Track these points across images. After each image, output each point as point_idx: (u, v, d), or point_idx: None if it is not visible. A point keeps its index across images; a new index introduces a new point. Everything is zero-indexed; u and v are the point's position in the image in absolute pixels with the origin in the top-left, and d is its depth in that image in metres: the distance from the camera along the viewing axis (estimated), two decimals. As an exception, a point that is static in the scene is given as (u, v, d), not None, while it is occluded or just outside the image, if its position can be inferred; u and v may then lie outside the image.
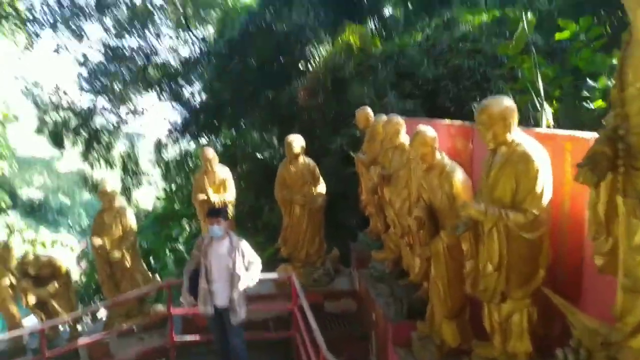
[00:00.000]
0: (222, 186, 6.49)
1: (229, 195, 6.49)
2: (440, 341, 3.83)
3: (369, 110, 6.18)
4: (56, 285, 6.17)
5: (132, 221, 6.12)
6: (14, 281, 6.25)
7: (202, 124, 12.57)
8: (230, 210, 6.49)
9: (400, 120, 4.67)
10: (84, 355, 6.10)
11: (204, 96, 13.03)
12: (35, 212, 28.35)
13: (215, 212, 4.71)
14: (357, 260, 6.30)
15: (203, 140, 13.09)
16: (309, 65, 9.47)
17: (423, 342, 4.02)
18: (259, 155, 13.07)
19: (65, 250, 19.36)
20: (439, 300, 3.78)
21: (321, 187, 6.38)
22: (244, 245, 4.70)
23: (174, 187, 13.41)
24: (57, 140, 11.91)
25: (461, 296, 3.65)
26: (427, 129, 3.74)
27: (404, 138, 4.63)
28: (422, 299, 4.38)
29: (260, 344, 5.83)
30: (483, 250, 3.00)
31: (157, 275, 6.60)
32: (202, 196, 6.36)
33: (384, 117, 5.21)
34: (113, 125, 12.82)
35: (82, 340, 5.98)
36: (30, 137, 12.24)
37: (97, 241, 5.95)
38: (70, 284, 6.50)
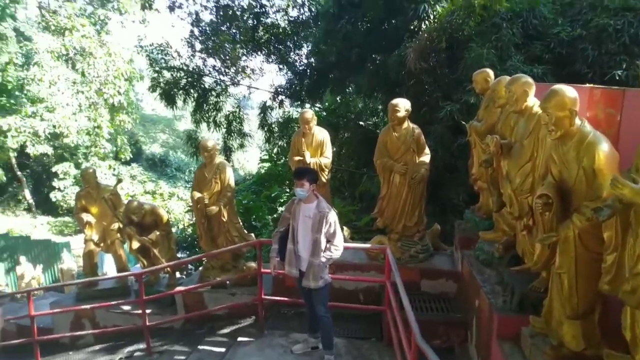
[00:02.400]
0: (319, 149, 6.28)
1: (325, 159, 6.26)
2: (558, 342, 3.27)
3: (490, 71, 5.49)
4: (157, 233, 6.49)
5: (230, 177, 6.17)
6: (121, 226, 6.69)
7: (307, 88, 12.46)
8: (325, 174, 6.27)
9: (529, 79, 3.99)
10: (180, 302, 6.40)
11: (310, 60, 12.87)
12: (157, 166, 31.16)
13: (301, 174, 4.49)
14: (461, 239, 5.75)
15: (307, 105, 13.02)
16: (423, 25, 8.77)
17: (535, 341, 3.48)
18: (362, 123, 12.76)
19: (180, 202, 20.97)
20: (562, 296, 3.19)
21: (425, 157, 5.87)
22: (332, 215, 4.46)
23: (276, 149, 13.66)
24: (168, 99, 12.51)
25: (592, 294, 3.04)
26: (566, 88, 3.09)
27: (532, 101, 3.95)
28: (539, 291, 3.80)
29: (348, 314, 5.69)
30: (635, 244, 2.38)
31: (252, 234, 6.61)
32: (297, 157, 6.21)
33: (506, 78, 4.53)
34: (221, 85, 13.18)
35: (179, 288, 6.27)
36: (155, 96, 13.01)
37: (196, 195, 6.10)
38: (171, 233, 6.82)
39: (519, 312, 3.85)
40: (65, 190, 21.37)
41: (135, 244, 6.48)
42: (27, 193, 24.89)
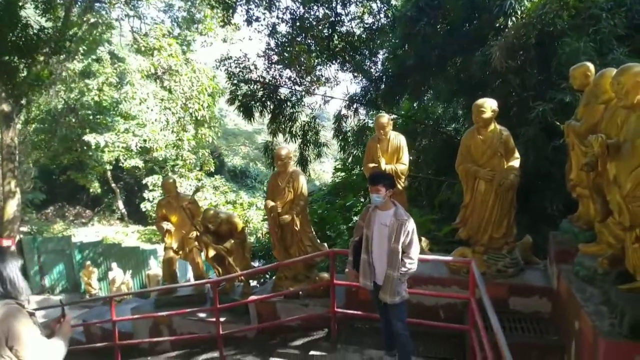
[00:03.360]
0: (395, 155, 6.02)
1: (402, 165, 5.97)
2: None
3: (590, 64, 4.91)
4: (232, 242, 6.54)
5: (303, 186, 6.08)
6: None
7: (382, 94, 12.19)
8: (402, 182, 5.97)
9: (640, 68, 3.45)
10: (253, 311, 6.37)
11: (386, 65, 12.61)
12: (238, 177, 32.51)
13: (376, 178, 4.26)
14: (557, 252, 5.16)
15: (383, 113, 12.77)
16: (509, 22, 8.20)
17: (654, 374, 2.95)
18: (440, 129, 12.23)
19: (258, 212, 21.49)
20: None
21: (515, 161, 5.37)
22: (410, 223, 4.17)
23: (350, 159, 13.50)
24: (246, 111, 12.82)
25: None
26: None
27: (646, 94, 3.42)
28: (656, 314, 3.24)
29: (427, 333, 5.32)
30: None
31: (325, 244, 6.46)
32: (372, 164, 5.98)
33: (612, 71, 3.99)
34: (296, 95, 13.29)
35: (252, 297, 6.24)
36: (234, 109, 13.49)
37: (270, 203, 6.07)
38: (246, 242, 6.84)
39: (631, 337, 3.30)
40: (154, 201, 22.71)
41: (211, 252, 6.58)
42: (120, 204, 26.97)
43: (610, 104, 4.02)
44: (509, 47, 7.46)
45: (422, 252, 5.60)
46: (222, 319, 6.07)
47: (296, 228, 6.11)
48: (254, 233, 19.31)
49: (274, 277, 7.43)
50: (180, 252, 7.22)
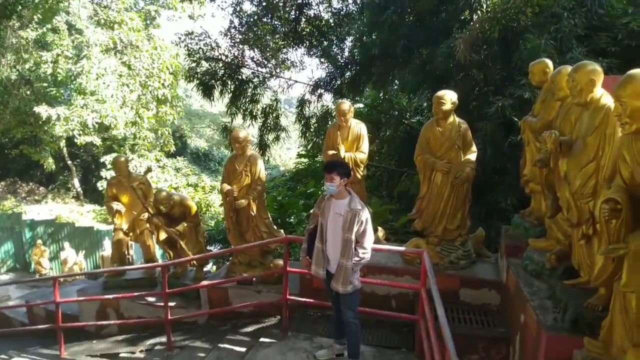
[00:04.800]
0: (355, 143, 5.94)
1: (361, 154, 5.90)
2: (620, 373, 2.79)
3: (549, 61, 4.96)
4: (185, 225, 6.34)
5: (261, 171, 5.95)
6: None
7: (348, 82, 12.06)
8: (360, 170, 5.92)
9: (597, 67, 3.47)
10: (204, 297, 6.23)
11: (353, 52, 12.46)
12: (200, 160, 31.82)
13: (331, 167, 4.17)
14: (507, 246, 5.25)
15: (344, 100, 12.65)
16: (475, 15, 8.22)
17: (591, 367, 3.01)
18: (405, 121, 12.25)
19: (220, 196, 21.19)
20: (627, 319, 2.73)
21: (472, 155, 5.41)
22: (365, 213, 4.11)
23: (311, 145, 13.35)
24: (205, 90, 12.42)
25: (667, 320, 2.55)
26: (646, 73, 2.61)
27: (599, 93, 3.45)
28: (596, 309, 3.32)
29: (378, 321, 5.37)
30: None
31: (281, 231, 6.35)
32: (331, 152, 5.89)
33: (568, 68, 4.02)
34: (259, 77, 12.97)
35: (204, 283, 6.09)
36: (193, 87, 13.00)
37: (226, 187, 5.91)
38: (200, 226, 6.66)
39: (571, 331, 3.37)
40: (112, 180, 22.01)
41: (163, 235, 6.37)
42: (76, 182, 25.90)
43: (565, 101, 4.06)
44: (474, 41, 7.48)
45: (377, 241, 5.60)
46: (172, 304, 5.91)
47: (252, 213, 5.99)
48: (214, 217, 18.98)
49: (227, 263, 7.29)
50: (131, 234, 6.98)
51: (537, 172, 4.64)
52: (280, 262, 6.05)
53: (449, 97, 5.19)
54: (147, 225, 6.72)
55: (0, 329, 7.42)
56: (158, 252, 8.50)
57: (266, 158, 14.00)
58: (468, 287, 5.40)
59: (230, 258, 6.76)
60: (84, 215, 23.39)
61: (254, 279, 6.15)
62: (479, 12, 8.19)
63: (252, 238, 6.07)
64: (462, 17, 8.55)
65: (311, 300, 5.45)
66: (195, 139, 35.31)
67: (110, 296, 6.22)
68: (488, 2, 8.07)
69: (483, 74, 7.85)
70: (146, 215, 6.60)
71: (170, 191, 6.88)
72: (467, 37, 7.46)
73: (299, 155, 15.09)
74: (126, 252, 7.08)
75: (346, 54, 12.76)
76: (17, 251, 17.16)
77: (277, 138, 13.08)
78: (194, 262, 6.41)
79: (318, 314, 5.75)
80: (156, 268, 6.73)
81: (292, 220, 10.85)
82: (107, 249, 14.23)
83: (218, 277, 6.39)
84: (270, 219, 6.32)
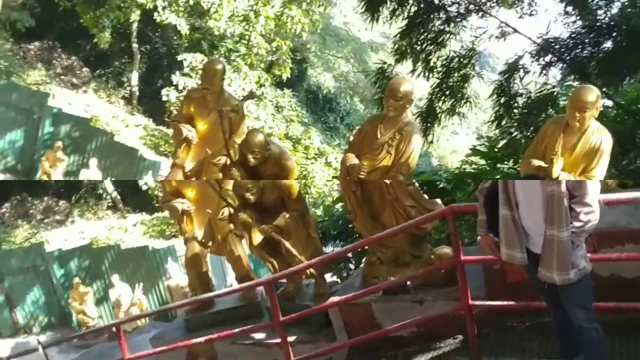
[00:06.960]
0: (586, 160, 5.60)
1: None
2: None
3: None
4: (286, 216, 6.50)
5: (415, 152, 6.08)
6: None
7: (603, 57, 11.03)
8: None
9: None
10: (337, 321, 6.39)
11: (624, 9, 11.57)
12: (318, 105, 33.76)
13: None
14: None
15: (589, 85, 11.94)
16: None
17: None
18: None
19: (327, 170, 21.54)
20: None
21: None
22: None
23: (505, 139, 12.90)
24: (370, 3, 12.47)
25: None
26: None
27: None
28: None
29: (634, 324, 5.15)
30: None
31: (438, 200, 6.33)
32: (537, 162, 5.64)
33: None
34: (458, 6, 12.55)
35: (333, 299, 6.24)
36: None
37: (351, 159, 6.09)
38: (308, 214, 6.77)
39: None
40: (181, 94, 21.32)
41: (257, 237, 6.59)
42: (108, 184, 26.91)
43: None
44: None
45: (605, 190, 5.34)
46: (290, 339, 6.14)
47: (386, 182, 6.04)
48: (316, 203, 19.07)
49: (361, 266, 7.42)
50: (210, 244, 7.32)
51: None
52: (447, 249, 6.05)
53: None
54: (231, 225, 6.97)
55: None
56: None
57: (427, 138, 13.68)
58: None
59: (366, 257, 6.86)
60: (129, 231, 24.59)
61: (409, 282, 6.21)
62: None
63: (392, 219, 6.13)
64: None
65: (510, 304, 5.42)
66: (321, 70, 35.80)
67: (201, 339, 6.59)
68: None
69: None
70: (226, 211, 6.81)
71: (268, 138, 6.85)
72: None
73: (473, 151, 14.64)
74: (208, 272, 7.47)
75: (614, 10, 11.94)
76: (49, 299, 18.21)
77: (452, 110, 12.83)
78: (310, 269, 6.58)
79: (526, 323, 5.72)
80: (256, 287, 7.01)
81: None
82: (173, 275, 15.20)
83: (351, 288, 6.52)
84: (416, 185, 6.31)
